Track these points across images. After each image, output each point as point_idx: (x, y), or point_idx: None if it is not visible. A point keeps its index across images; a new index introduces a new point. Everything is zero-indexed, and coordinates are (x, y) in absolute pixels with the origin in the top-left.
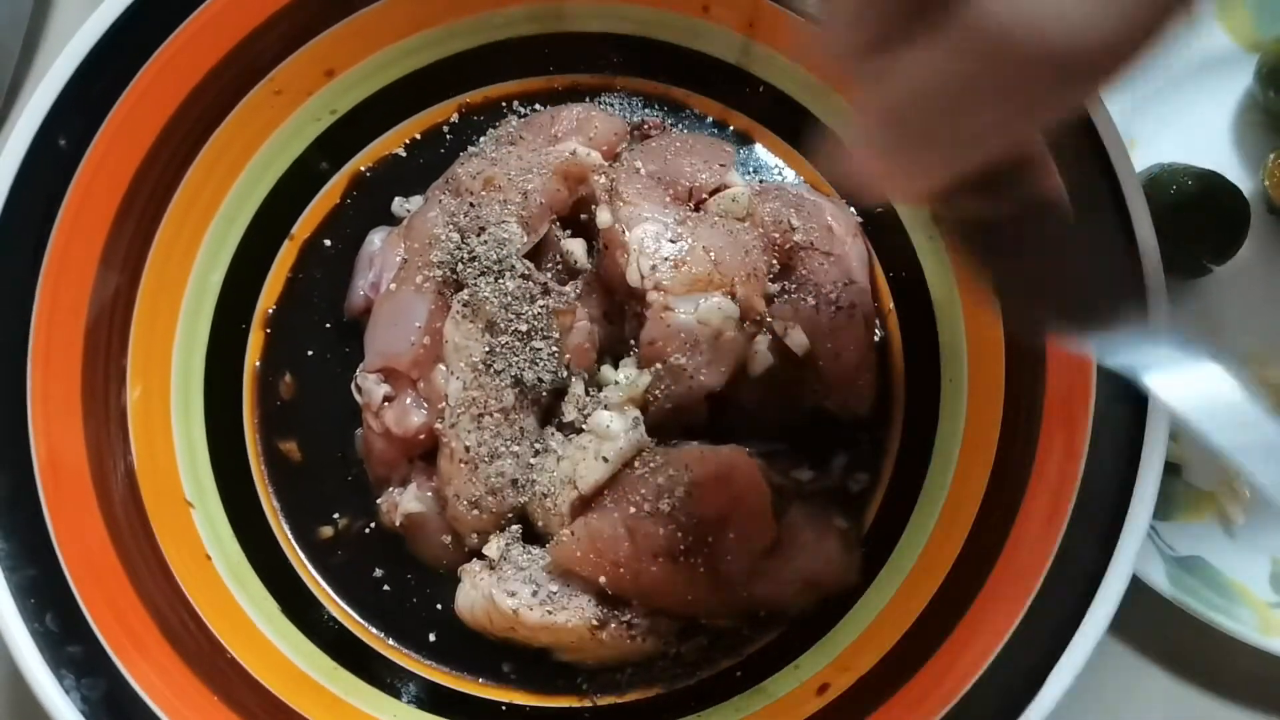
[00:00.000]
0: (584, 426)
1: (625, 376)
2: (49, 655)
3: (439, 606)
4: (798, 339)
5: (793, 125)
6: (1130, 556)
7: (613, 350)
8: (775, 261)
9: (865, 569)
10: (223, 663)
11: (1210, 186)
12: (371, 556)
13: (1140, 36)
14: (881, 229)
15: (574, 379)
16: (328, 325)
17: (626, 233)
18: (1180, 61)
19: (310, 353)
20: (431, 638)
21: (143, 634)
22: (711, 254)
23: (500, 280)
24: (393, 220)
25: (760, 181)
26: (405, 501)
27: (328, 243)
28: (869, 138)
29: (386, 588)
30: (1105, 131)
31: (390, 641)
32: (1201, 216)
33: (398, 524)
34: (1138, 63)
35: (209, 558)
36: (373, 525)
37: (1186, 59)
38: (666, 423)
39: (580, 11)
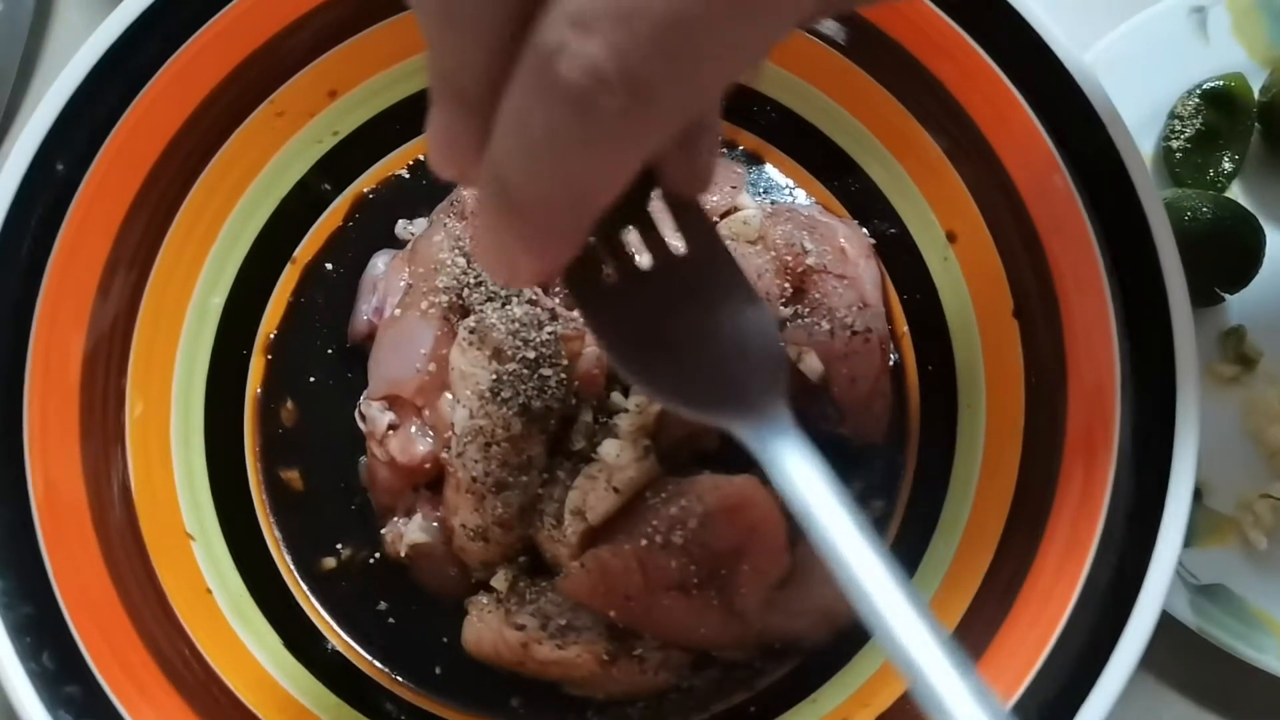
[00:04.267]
0: (593, 455)
1: (636, 404)
2: (46, 695)
3: (445, 639)
4: (812, 364)
5: (803, 145)
6: (1161, 588)
7: (622, 378)
8: (788, 285)
9: None
10: (224, 699)
11: (1224, 213)
12: (375, 588)
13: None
14: (894, 250)
15: (583, 407)
16: (330, 351)
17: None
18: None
19: (312, 379)
20: (437, 671)
21: (142, 672)
22: None
23: (507, 306)
24: (396, 243)
25: (771, 203)
26: (410, 532)
27: (330, 266)
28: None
29: (391, 620)
30: (1129, 158)
31: (395, 676)
32: (1215, 244)
33: (402, 555)
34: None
35: (209, 591)
36: (377, 556)
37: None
38: (678, 451)
39: None
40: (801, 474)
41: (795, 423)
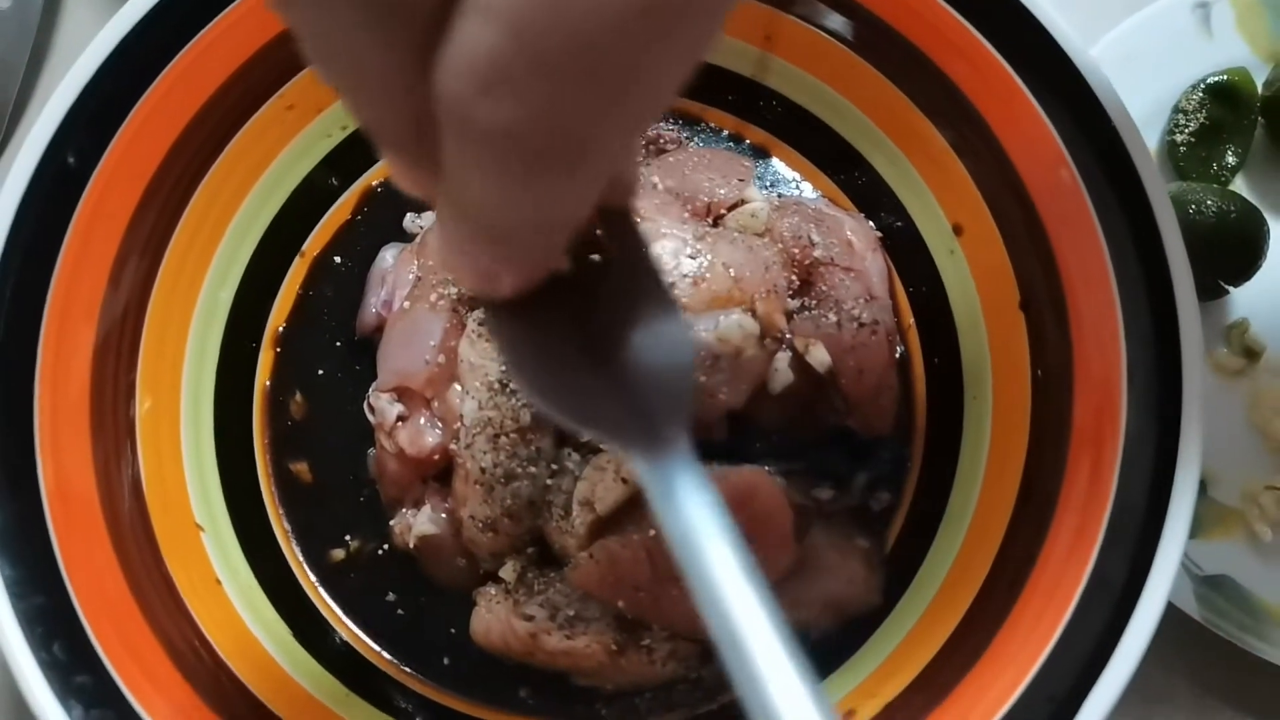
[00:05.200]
0: (602, 446)
1: None
2: (57, 686)
3: (453, 630)
4: (820, 356)
5: (810, 139)
6: (1166, 580)
7: None
8: (795, 277)
9: (889, 590)
10: (233, 689)
11: (1229, 207)
12: (384, 579)
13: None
14: (901, 244)
15: None
16: (339, 344)
17: None
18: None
19: (321, 372)
20: (446, 662)
21: (152, 662)
22: (731, 270)
23: None
24: (404, 237)
25: (778, 196)
26: (419, 523)
27: (338, 260)
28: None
29: (399, 611)
30: (1135, 151)
31: (404, 667)
32: (1220, 237)
33: (411, 546)
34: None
35: (219, 582)
36: (385, 547)
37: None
38: None
39: None
40: (691, 510)
41: (694, 453)
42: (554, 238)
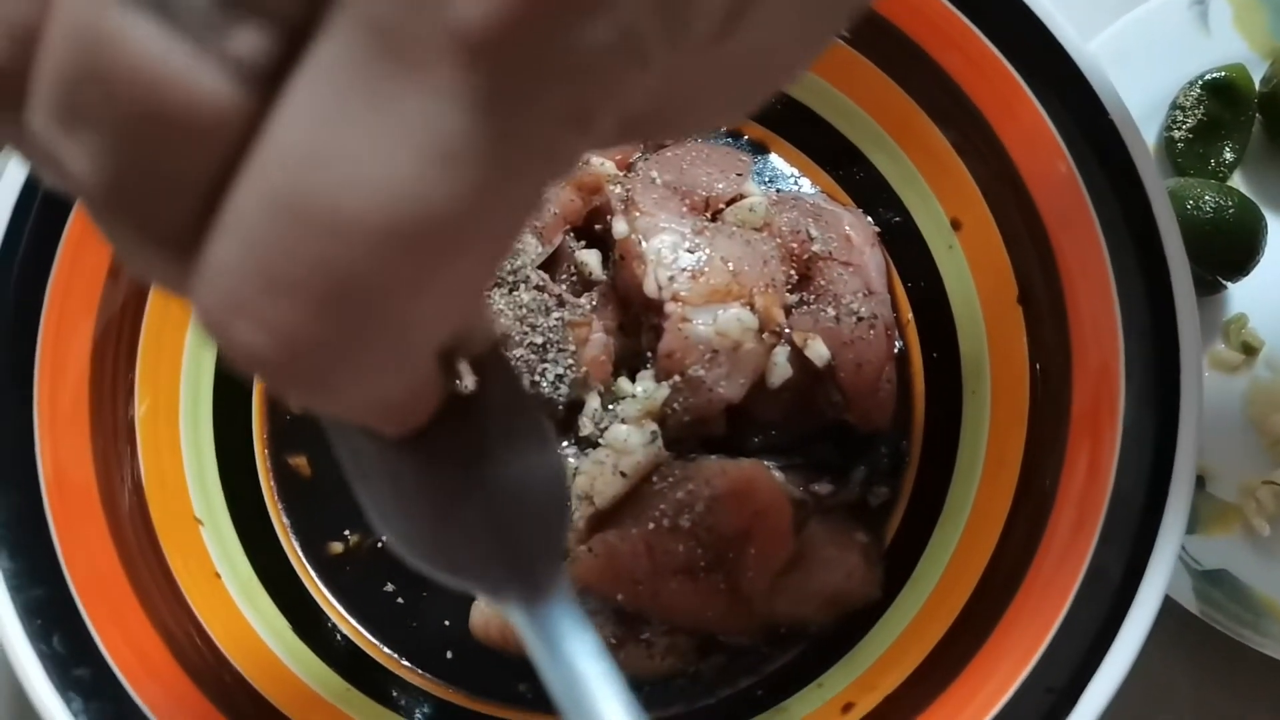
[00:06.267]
0: (601, 441)
1: (642, 389)
2: (56, 678)
3: (452, 624)
4: (818, 350)
5: (809, 134)
6: (1164, 574)
7: (629, 363)
8: (793, 272)
9: (887, 584)
10: (233, 683)
11: (1227, 202)
12: (383, 573)
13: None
14: (899, 238)
15: (590, 392)
16: None
17: (643, 243)
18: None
19: None
20: (445, 655)
21: (152, 655)
22: (730, 264)
23: (515, 293)
24: None
25: (777, 191)
26: None
27: None
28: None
29: (398, 604)
30: (1134, 146)
31: (402, 661)
32: (1217, 233)
33: None
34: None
35: (218, 576)
36: (384, 541)
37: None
38: (684, 436)
39: None
40: (574, 657)
41: (571, 595)
42: (418, 399)
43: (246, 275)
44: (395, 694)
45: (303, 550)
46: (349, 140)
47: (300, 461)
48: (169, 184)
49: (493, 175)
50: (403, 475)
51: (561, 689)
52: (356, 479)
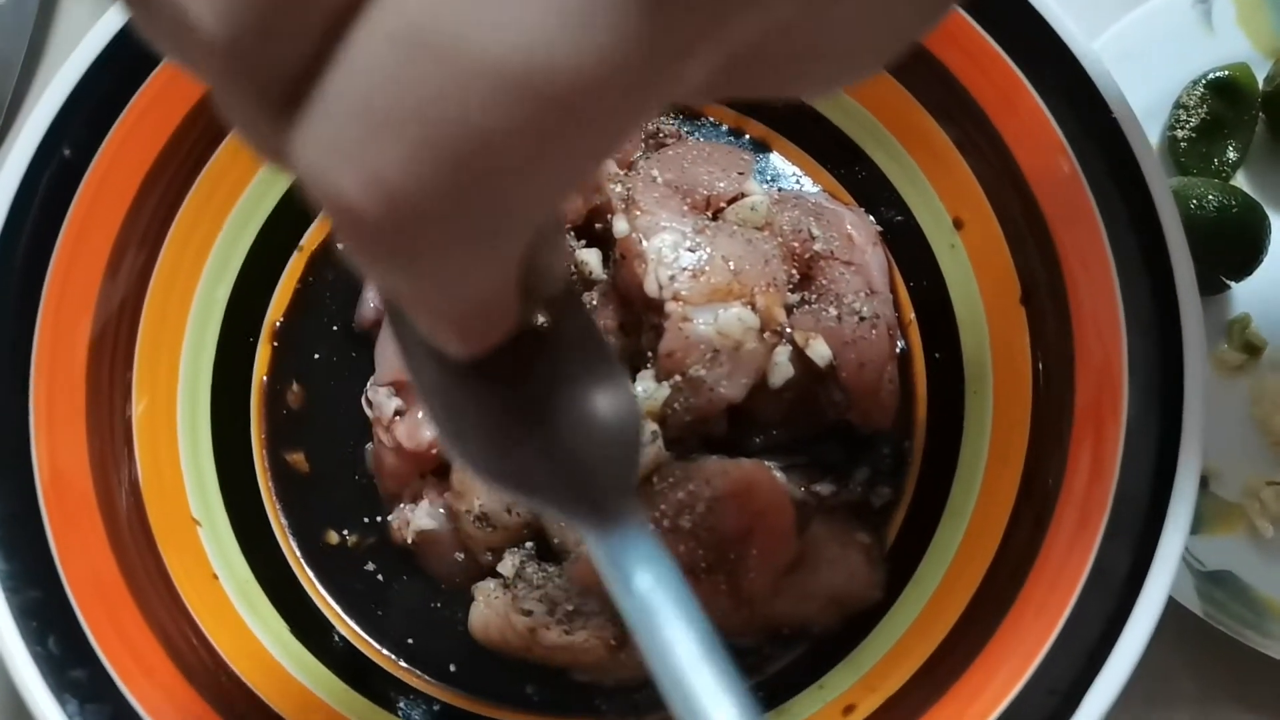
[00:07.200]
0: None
1: (643, 389)
2: (52, 680)
3: (452, 625)
4: (820, 350)
5: (810, 133)
6: (1168, 574)
7: (630, 362)
8: (795, 271)
9: (890, 585)
10: (230, 685)
11: (1230, 202)
12: (382, 575)
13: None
14: (901, 238)
15: None
16: (337, 337)
17: (644, 242)
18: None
19: (319, 366)
20: (444, 657)
21: (149, 657)
22: (731, 263)
23: None
24: None
25: (778, 190)
26: (418, 518)
27: (337, 254)
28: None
29: (397, 606)
30: (1137, 144)
31: (401, 662)
32: (1221, 232)
33: (409, 541)
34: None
35: (216, 577)
36: (383, 541)
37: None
38: (685, 436)
39: None
40: (646, 584)
41: (646, 524)
42: (498, 314)
43: (358, 113)
44: (394, 696)
45: (300, 550)
46: None
47: (298, 458)
48: (294, 24)
49: (635, 53)
50: (476, 396)
51: (634, 617)
52: (428, 393)
